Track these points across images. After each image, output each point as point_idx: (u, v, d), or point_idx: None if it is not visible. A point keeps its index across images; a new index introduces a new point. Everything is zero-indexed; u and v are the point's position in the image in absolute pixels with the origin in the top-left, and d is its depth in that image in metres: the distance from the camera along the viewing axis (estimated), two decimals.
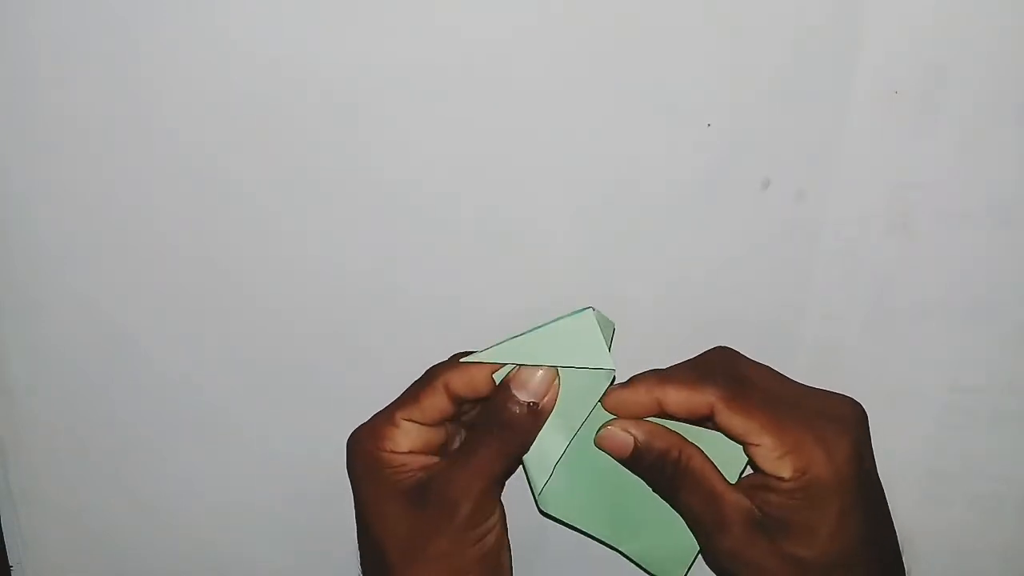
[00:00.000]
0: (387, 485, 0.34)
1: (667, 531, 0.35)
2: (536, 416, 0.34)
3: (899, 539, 0.34)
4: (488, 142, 0.36)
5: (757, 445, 0.32)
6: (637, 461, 0.34)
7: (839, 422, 0.32)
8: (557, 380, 0.33)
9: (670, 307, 0.36)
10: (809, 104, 0.35)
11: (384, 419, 0.35)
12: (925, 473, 0.40)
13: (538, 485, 0.35)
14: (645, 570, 0.36)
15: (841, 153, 0.36)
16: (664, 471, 0.33)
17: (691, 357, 0.35)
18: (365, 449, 0.35)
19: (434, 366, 0.36)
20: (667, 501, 0.34)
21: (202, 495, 0.44)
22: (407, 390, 0.36)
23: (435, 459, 0.35)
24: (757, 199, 0.37)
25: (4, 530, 0.45)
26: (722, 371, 0.33)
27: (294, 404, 0.41)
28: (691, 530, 0.34)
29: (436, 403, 0.35)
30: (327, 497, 0.41)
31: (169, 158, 0.37)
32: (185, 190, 0.38)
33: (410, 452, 0.35)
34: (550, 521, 0.36)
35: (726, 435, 0.33)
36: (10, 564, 0.46)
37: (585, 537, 0.36)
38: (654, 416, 0.34)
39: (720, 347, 0.35)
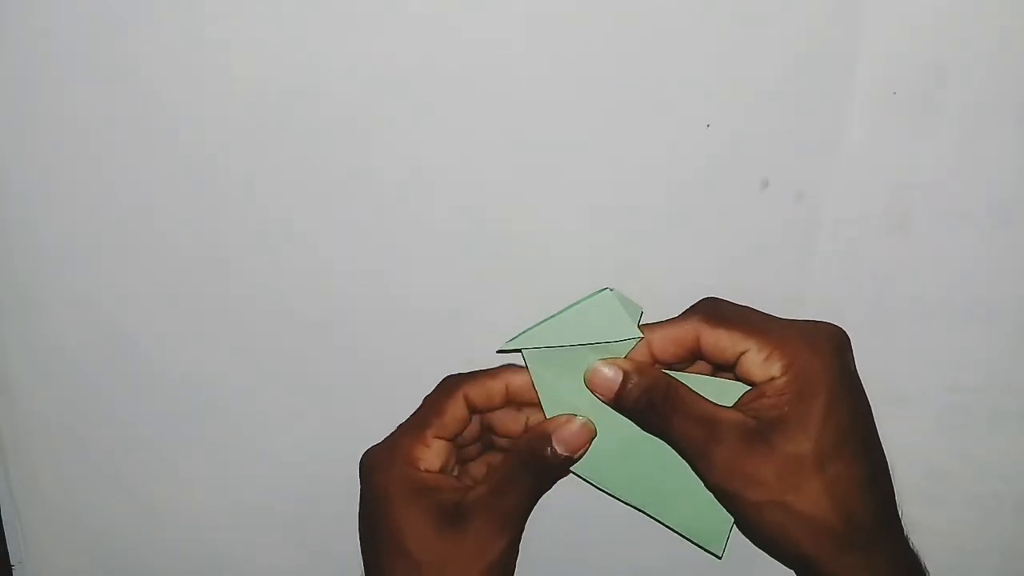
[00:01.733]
0: (428, 506, 0.34)
1: (703, 502, 0.35)
2: (569, 463, 0.35)
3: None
4: (488, 143, 0.36)
5: (744, 352, 0.33)
6: (627, 396, 0.34)
7: (819, 328, 0.34)
8: (593, 435, 0.35)
9: (669, 307, 0.35)
10: (809, 104, 0.35)
11: (412, 438, 0.36)
12: (925, 473, 0.40)
13: None
14: (688, 539, 0.37)
15: (841, 153, 0.36)
16: (654, 403, 0.34)
17: None
18: (400, 471, 0.35)
19: (448, 380, 0.36)
20: (660, 436, 0.34)
21: (202, 495, 0.44)
22: (423, 406, 0.36)
23: (463, 483, 0.36)
24: (757, 199, 0.37)
25: (5, 529, 0.45)
26: (702, 306, 0.35)
27: (294, 404, 0.41)
28: (687, 459, 0.34)
29: (457, 414, 0.36)
30: (327, 497, 0.41)
31: (169, 158, 0.37)
32: (185, 190, 0.38)
33: (441, 471, 0.36)
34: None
35: (714, 359, 0.34)
36: (11, 563, 0.46)
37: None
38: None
39: (704, 297, 0.36)
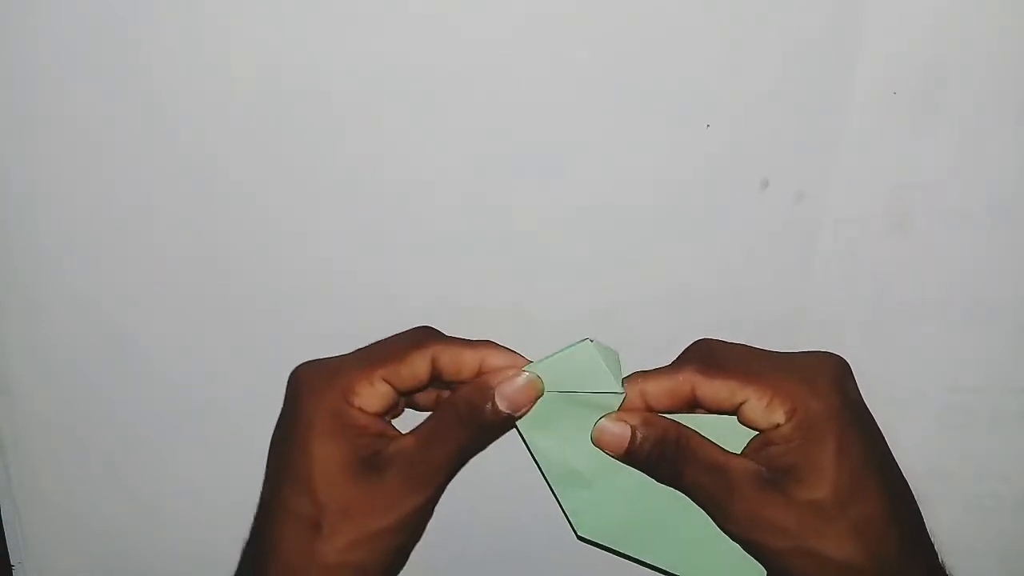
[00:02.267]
0: (347, 446, 0.32)
1: (732, 551, 0.34)
2: (508, 423, 0.33)
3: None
4: (488, 143, 0.36)
5: (744, 402, 0.32)
6: (638, 450, 0.33)
7: (815, 364, 0.33)
8: (539, 394, 0.33)
9: (669, 307, 0.36)
10: (809, 104, 0.35)
11: (360, 373, 0.33)
12: (925, 473, 0.40)
13: (573, 511, 0.35)
14: None
15: (841, 153, 0.36)
16: (665, 454, 0.33)
17: None
18: (332, 401, 0.33)
19: (423, 332, 0.34)
20: (674, 485, 0.34)
21: (202, 495, 0.44)
22: (388, 348, 0.34)
23: (390, 429, 0.34)
24: (757, 200, 0.37)
25: (5, 529, 0.45)
26: (695, 353, 0.34)
27: None
28: (704, 508, 0.33)
29: (418, 372, 0.33)
30: None
31: (169, 158, 0.37)
32: (185, 190, 0.38)
33: (374, 415, 0.33)
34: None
35: (713, 410, 0.33)
36: (11, 563, 0.46)
37: (573, 542, 0.36)
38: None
39: (697, 340, 0.35)
